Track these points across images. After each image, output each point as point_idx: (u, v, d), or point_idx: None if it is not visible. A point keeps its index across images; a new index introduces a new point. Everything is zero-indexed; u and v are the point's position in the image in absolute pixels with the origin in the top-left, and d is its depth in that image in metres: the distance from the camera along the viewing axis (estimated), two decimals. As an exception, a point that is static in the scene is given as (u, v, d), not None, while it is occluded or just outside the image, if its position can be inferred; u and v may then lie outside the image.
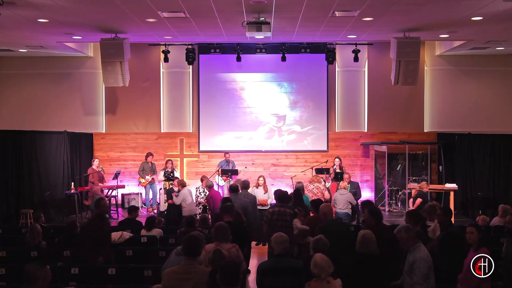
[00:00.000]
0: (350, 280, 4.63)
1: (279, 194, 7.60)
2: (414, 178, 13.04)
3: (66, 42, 12.29)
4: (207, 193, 10.90)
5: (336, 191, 10.17)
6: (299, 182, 9.63)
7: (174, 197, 10.31)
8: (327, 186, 11.73)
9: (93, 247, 6.57)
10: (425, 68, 14.15)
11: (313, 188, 9.88)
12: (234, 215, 6.70)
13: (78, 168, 13.45)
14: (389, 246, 5.97)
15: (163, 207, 11.81)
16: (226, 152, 13.27)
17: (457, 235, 6.19)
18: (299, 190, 8.48)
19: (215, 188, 11.15)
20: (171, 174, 12.15)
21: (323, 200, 9.24)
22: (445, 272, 5.66)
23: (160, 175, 12.55)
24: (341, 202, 9.75)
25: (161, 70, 14.31)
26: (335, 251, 5.19)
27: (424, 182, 11.09)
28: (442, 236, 6.15)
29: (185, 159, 14.30)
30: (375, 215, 6.22)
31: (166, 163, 12.72)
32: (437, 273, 5.50)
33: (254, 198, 8.96)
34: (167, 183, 11.97)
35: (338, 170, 12.06)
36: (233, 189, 8.52)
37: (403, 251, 5.23)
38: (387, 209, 12.95)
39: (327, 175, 12.10)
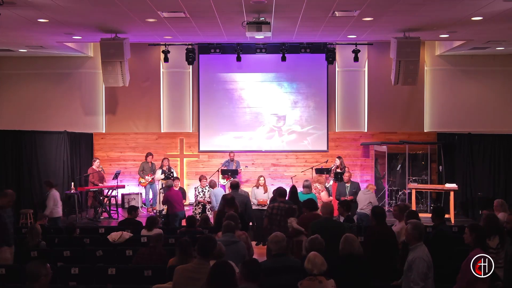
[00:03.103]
0: (338, 281, 4.64)
1: (279, 190, 8.09)
2: (414, 178, 13.03)
3: (66, 42, 12.29)
4: (205, 192, 10.90)
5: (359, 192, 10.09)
6: (306, 181, 9.83)
7: (50, 201, 10.01)
8: (326, 186, 11.73)
9: None
10: (425, 68, 14.15)
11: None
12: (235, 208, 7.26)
13: (78, 168, 13.45)
14: (389, 247, 5.98)
15: (160, 207, 11.81)
16: (230, 152, 13.27)
17: (447, 235, 6.20)
18: (295, 187, 8.91)
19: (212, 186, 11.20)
20: (171, 174, 12.15)
21: (321, 201, 9.29)
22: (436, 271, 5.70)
23: (158, 174, 12.52)
24: (362, 201, 9.59)
25: (161, 70, 14.31)
26: (328, 250, 5.20)
27: None
28: (433, 235, 6.15)
29: (185, 159, 14.30)
30: (376, 216, 6.21)
31: (162, 161, 12.70)
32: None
33: (248, 194, 9.55)
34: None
35: (338, 170, 12.02)
36: (233, 186, 8.93)
37: (402, 251, 5.23)
38: (387, 209, 12.93)
39: (327, 175, 12.10)
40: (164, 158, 12.84)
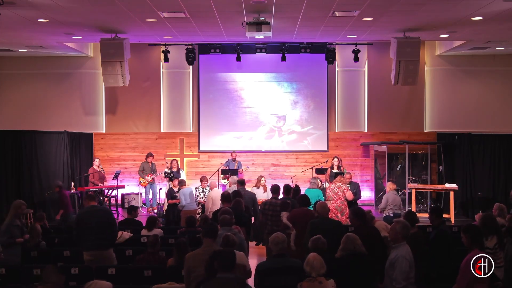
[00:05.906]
0: (340, 281, 4.65)
1: (272, 187, 8.51)
2: (414, 178, 13.03)
3: (66, 42, 12.29)
4: (206, 193, 10.89)
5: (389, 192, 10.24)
6: (314, 178, 10.19)
7: None
8: (325, 186, 11.71)
9: None
10: (425, 68, 14.15)
11: (334, 188, 9.60)
12: (233, 203, 7.56)
13: (78, 168, 13.46)
14: (374, 247, 5.95)
15: (161, 207, 11.81)
16: (232, 152, 13.27)
17: (448, 235, 6.20)
18: (297, 186, 9.13)
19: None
20: (171, 174, 12.12)
21: (343, 200, 9.38)
22: (435, 272, 5.69)
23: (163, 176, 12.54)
24: (395, 202, 10.03)
25: (161, 70, 14.31)
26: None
27: None
28: (433, 235, 6.15)
29: (185, 159, 14.30)
30: (359, 216, 6.18)
31: (171, 163, 12.67)
32: (428, 273, 5.55)
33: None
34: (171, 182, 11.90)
35: (336, 170, 11.98)
36: (241, 182, 9.29)
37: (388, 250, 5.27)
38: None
39: (327, 175, 12.08)
40: (173, 160, 12.83)
